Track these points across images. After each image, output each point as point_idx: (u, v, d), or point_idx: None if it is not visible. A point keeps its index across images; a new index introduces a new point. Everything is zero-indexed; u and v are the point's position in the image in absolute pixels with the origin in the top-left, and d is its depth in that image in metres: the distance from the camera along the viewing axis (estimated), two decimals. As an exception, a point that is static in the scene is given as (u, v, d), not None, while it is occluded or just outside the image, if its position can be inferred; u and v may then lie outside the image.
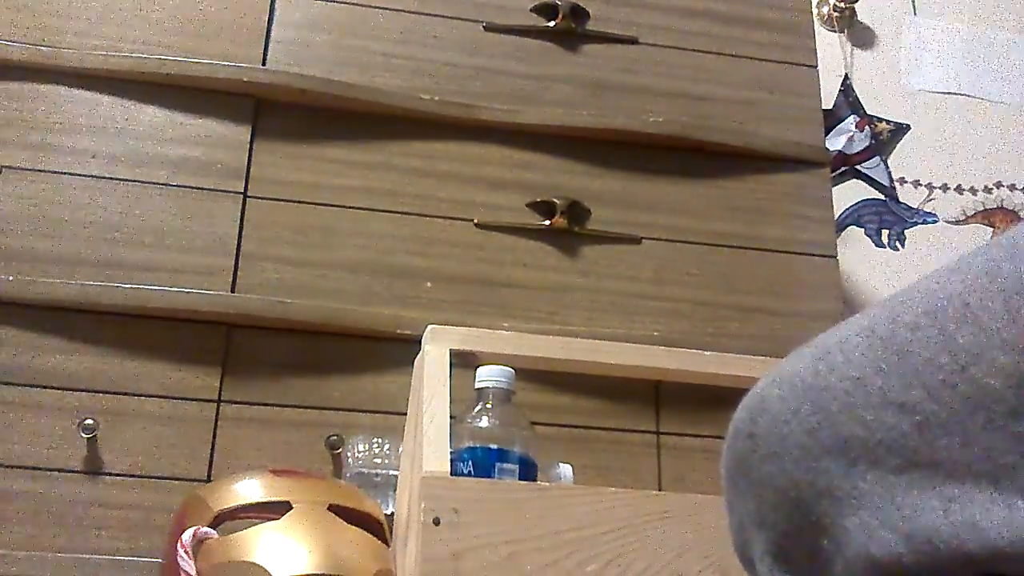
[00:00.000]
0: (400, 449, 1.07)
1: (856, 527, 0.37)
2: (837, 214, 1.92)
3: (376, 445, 1.16)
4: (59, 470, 1.17)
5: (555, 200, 1.39)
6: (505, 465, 0.97)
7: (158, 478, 1.19)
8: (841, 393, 0.39)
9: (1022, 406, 0.34)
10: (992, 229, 2.03)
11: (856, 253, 1.95)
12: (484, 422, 1.00)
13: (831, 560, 0.38)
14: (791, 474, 0.40)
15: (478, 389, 1.02)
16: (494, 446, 0.98)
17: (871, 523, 0.36)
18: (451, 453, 0.96)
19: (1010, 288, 0.36)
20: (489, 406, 1.01)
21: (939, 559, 0.35)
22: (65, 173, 1.29)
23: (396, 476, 1.08)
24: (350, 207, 1.35)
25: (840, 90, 2.02)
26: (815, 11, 1.89)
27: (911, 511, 0.35)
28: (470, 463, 0.96)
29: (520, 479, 0.97)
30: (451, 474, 0.93)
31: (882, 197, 2.00)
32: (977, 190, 2.04)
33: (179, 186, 1.31)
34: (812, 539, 0.39)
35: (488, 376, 1.02)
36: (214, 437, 1.22)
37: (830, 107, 1.97)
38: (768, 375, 0.43)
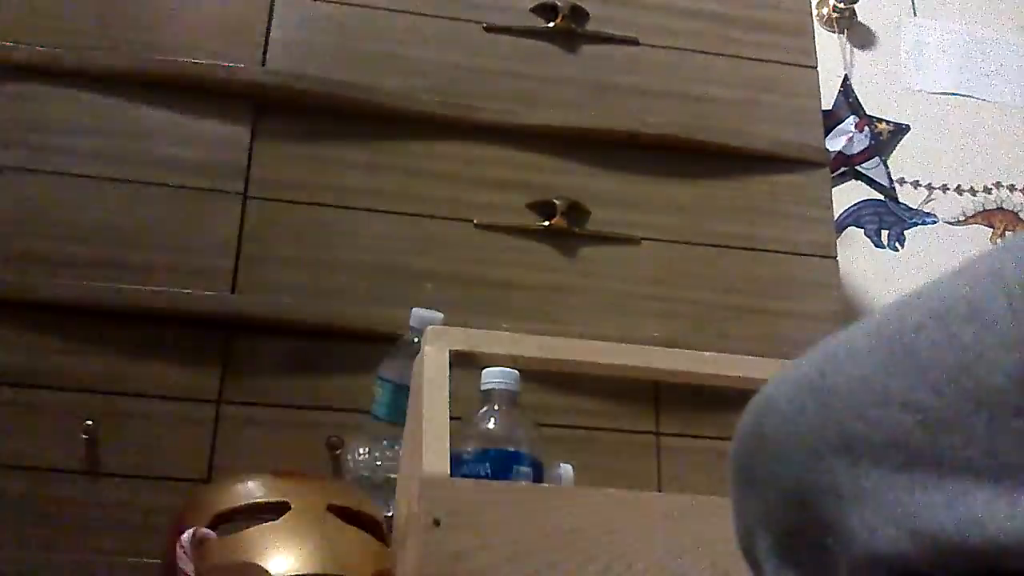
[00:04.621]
0: (400, 450, 1.07)
1: (860, 525, 0.37)
2: (837, 215, 1.92)
3: (377, 446, 1.15)
4: (59, 470, 1.17)
5: (555, 201, 1.39)
6: (522, 468, 0.97)
7: (158, 478, 1.19)
8: (846, 393, 0.39)
9: None
10: (992, 230, 2.03)
11: (856, 254, 1.95)
12: (497, 424, 1.00)
13: (836, 559, 0.38)
14: (796, 473, 0.40)
15: (484, 391, 1.02)
16: (511, 448, 0.98)
17: (874, 520, 0.37)
18: (464, 455, 0.96)
19: (1014, 289, 0.36)
20: (496, 408, 1.01)
21: (942, 555, 0.35)
22: (65, 173, 1.29)
23: (396, 477, 1.08)
24: (350, 207, 1.35)
25: (840, 91, 2.02)
26: (815, 12, 1.89)
27: (915, 508, 0.36)
28: (487, 465, 0.96)
29: (533, 481, 0.98)
30: (467, 476, 0.93)
31: (882, 198, 2.00)
32: (977, 191, 2.04)
33: (179, 186, 1.31)
34: (817, 538, 0.39)
35: (495, 378, 1.01)
36: (214, 437, 1.22)
37: (830, 108, 1.97)
38: (775, 377, 0.44)
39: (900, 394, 0.37)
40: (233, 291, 1.28)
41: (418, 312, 1.18)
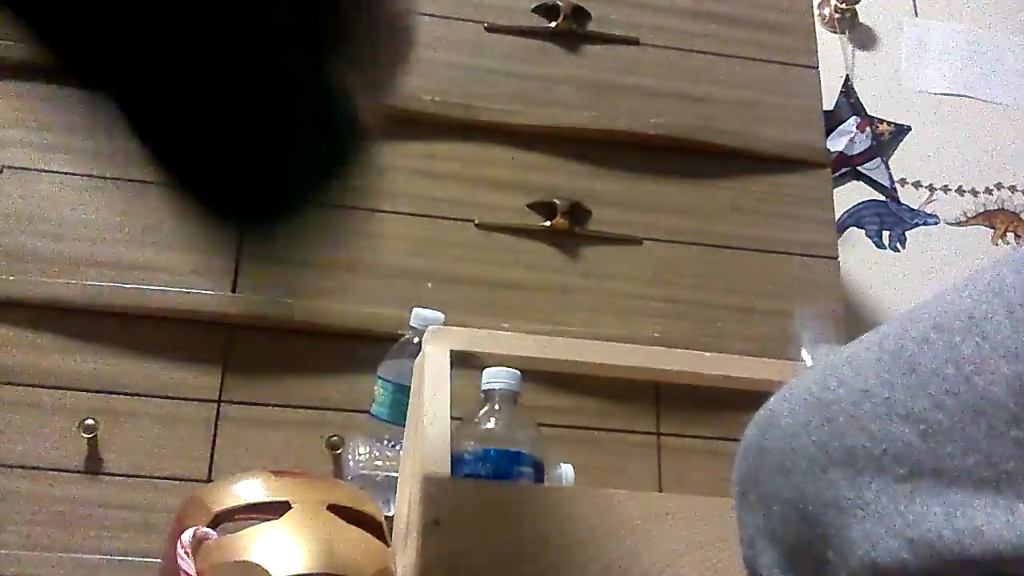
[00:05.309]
0: (400, 450, 1.07)
1: (860, 536, 0.37)
2: (838, 215, 1.92)
3: (377, 446, 1.15)
4: (59, 470, 1.17)
5: (556, 201, 1.39)
6: (523, 468, 0.97)
7: (158, 478, 1.19)
8: (849, 405, 0.39)
9: (1023, 413, 0.35)
10: (993, 230, 2.03)
11: (857, 254, 1.95)
12: (497, 424, 1.00)
13: (837, 573, 0.38)
14: (799, 486, 0.40)
15: (485, 391, 1.01)
16: (512, 448, 0.98)
17: (875, 531, 0.37)
18: (464, 455, 0.96)
19: (1014, 300, 0.36)
20: (497, 408, 1.01)
21: (942, 564, 0.35)
22: (65, 173, 1.29)
23: (396, 477, 1.08)
24: (350, 207, 1.34)
25: (841, 91, 2.02)
26: (816, 12, 1.89)
27: (915, 518, 0.36)
28: (487, 465, 0.96)
29: (533, 481, 0.97)
30: (467, 476, 0.93)
31: (883, 198, 2.00)
32: (978, 191, 2.04)
33: (179, 186, 1.31)
34: (819, 552, 0.39)
35: (495, 378, 1.01)
36: (214, 437, 1.22)
37: (831, 108, 1.97)
38: (779, 391, 0.44)
39: (902, 406, 0.37)
40: (233, 290, 1.27)
41: (419, 312, 1.18)
